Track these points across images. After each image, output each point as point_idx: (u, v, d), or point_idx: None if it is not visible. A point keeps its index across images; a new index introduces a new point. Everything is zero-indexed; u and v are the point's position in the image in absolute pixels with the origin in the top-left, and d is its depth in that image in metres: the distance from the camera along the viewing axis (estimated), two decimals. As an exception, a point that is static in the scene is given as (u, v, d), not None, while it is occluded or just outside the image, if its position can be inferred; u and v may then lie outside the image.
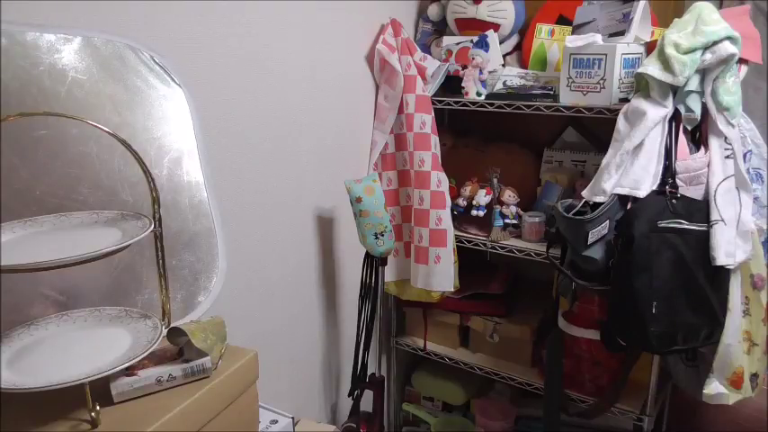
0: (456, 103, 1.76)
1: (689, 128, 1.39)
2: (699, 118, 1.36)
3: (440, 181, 1.69)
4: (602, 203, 1.34)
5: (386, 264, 1.67)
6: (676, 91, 1.36)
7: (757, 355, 1.42)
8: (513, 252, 1.69)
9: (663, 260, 1.30)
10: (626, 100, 1.45)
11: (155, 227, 0.86)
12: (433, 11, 1.91)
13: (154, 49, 1.07)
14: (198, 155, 1.14)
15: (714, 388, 1.39)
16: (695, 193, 1.36)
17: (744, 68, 1.39)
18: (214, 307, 1.14)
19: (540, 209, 1.75)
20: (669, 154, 1.35)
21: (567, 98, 1.55)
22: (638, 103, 1.35)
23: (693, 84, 1.33)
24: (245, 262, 1.38)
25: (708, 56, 1.31)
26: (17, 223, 0.84)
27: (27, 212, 0.87)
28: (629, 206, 1.36)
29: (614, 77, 1.46)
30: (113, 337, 0.84)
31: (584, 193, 1.40)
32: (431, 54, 1.88)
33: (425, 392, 2.11)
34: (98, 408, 0.75)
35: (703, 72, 1.34)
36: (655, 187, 1.34)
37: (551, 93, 1.63)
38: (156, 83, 1.07)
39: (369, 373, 1.77)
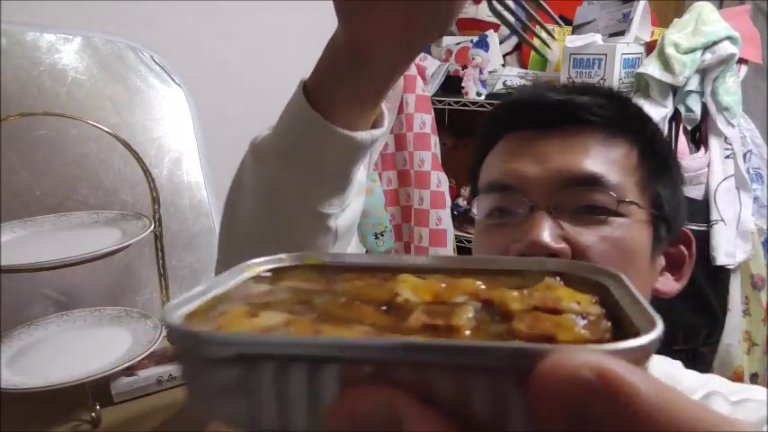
0: (456, 103, 1.75)
1: (689, 128, 1.39)
2: (699, 118, 1.36)
3: (440, 181, 1.69)
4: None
5: (386, 264, 1.67)
6: (676, 91, 1.36)
7: (757, 354, 1.42)
8: (513, 252, 1.70)
9: (663, 260, 1.30)
10: (626, 100, 1.44)
11: (155, 227, 0.86)
12: (432, 11, 1.91)
13: (154, 49, 1.07)
14: (198, 155, 1.14)
15: (714, 388, 1.39)
16: (695, 193, 1.36)
17: (744, 68, 1.39)
18: (214, 307, 1.14)
19: (540, 209, 1.74)
20: (669, 154, 1.36)
21: (567, 98, 1.55)
22: (638, 103, 1.35)
23: (693, 84, 1.33)
24: (245, 262, 1.38)
25: (708, 56, 1.31)
26: (17, 223, 0.84)
27: (27, 212, 0.87)
28: (628, 206, 1.36)
29: (614, 77, 1.46)
30: (113, 337, 0.84)
31: (584, 192, 1.40)
32: (431, 54, 1.88)
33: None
34: (98, 408, 0.75)
35: (703, 72, 1.34)
36: (654, 187, 1.34)
37: (551, 93, 1.63)
38: (156, 83, 1.07)
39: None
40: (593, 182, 0.51)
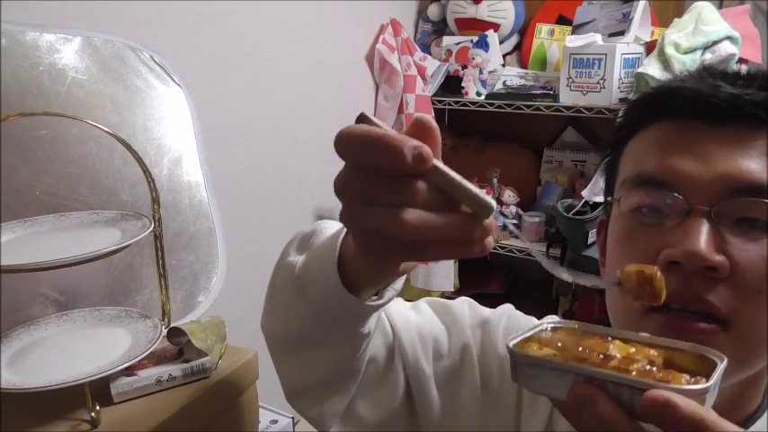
0: (456, 103, 1.76)
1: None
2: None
3: (440, 181, 1.69)
4: (603, 203, 1.34)
5: (386, 264, 1.67)
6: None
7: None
8: (513, 252, 1.69)
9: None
10: (626, 100, 1.45)
11: (155, 227, 0.86)
12: (433, 11, 1.91)
13: (154, 49, 1.07)
14: (198, 155, 1.14)
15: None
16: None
17: (744, 68, 1.39)
18: (214, 307, 1.14)
19: (540, 209, 1.75)
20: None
21: (567, 98, 1.55)
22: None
23: (693, 84, 1.33)
24: (245, 262, 1.38)
25: (708, 56, 1.31)
26: (17, 223, 0.84)
27: (27, 212, 0.87)
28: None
29: (614, 77, 1.46)
30: (113, 337, 0.84)
31: (584, 192, 1.40)
32: (431, 54, 1.88)
33: (425, 392, 2.11)
34: (98, 408, 0.75)
35: (703, 72, 1.34)
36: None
37: (551, 93, 1.63)
38: (156, 83, 1.07)
39: (369, 373, 1.77)
40: (764, 192, 0.47)
